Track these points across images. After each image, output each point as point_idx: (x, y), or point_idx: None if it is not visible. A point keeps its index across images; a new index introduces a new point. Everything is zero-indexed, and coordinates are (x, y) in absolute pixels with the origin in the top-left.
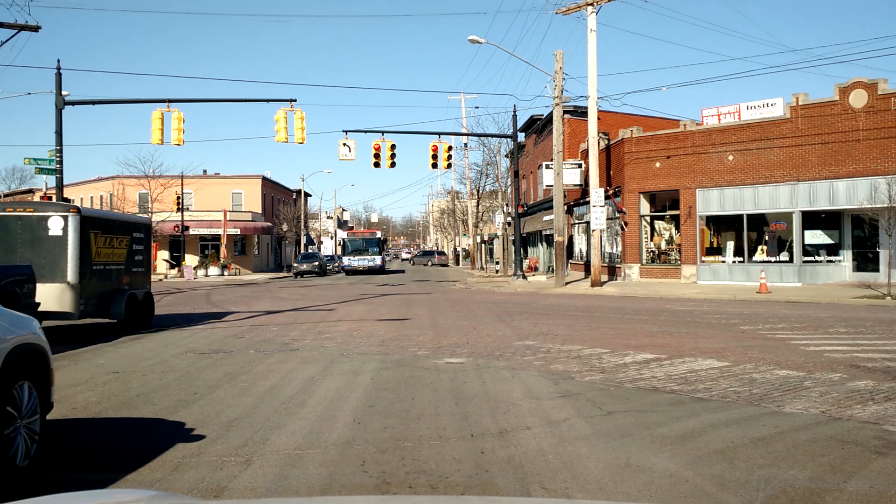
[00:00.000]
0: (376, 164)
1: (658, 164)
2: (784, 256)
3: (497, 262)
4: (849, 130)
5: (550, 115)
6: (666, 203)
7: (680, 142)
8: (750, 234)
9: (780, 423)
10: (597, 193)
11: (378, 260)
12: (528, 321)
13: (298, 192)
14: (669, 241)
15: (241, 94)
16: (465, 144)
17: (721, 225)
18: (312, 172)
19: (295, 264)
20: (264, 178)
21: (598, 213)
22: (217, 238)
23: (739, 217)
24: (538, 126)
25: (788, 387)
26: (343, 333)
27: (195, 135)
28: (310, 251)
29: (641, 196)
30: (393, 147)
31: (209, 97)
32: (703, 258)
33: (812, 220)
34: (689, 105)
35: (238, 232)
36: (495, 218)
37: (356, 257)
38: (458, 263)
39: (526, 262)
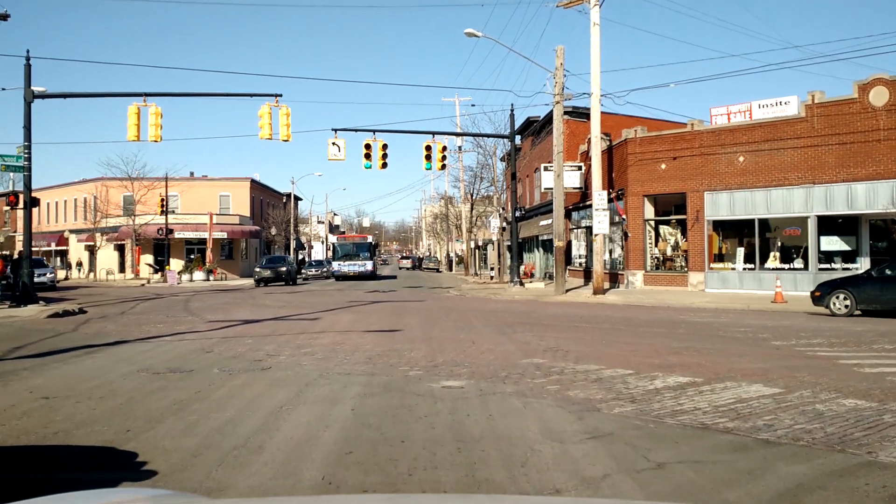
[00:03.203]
0: (367, 165)
1: (663, 166)
2: (798, 264)
3: (492, 268)
4: (868, 130)
5: (549, 115)
6: (671, 207)
7: (687, 142)
8: (762, 239)
9: (886, 481)
10: (599, 196)
11: (369, 265)
12: (533, 334)
13: (288, 195)
14: (675, 247)
15: (225, 88)
16: (460, 147)
17: (730, 230)
18: (303, 175)
19: (257, 269)
20: (253, 181)
21: (600, 216)
22: (203, 242)
23: (750, 222)
24: (535, 128)
25: (867, 423)
26: (325, 348)
27: (180, 133)
28: (276, 254)
29: (645, 199)
30: (385, 147)
31: (190, 91)
32: (712, 265)
33: (828, 225)
34: (696, 104)
35: (225, 236)
36: (491, 222)
37: (346, 262)
38: (451, 269)
39: (522, 269)
